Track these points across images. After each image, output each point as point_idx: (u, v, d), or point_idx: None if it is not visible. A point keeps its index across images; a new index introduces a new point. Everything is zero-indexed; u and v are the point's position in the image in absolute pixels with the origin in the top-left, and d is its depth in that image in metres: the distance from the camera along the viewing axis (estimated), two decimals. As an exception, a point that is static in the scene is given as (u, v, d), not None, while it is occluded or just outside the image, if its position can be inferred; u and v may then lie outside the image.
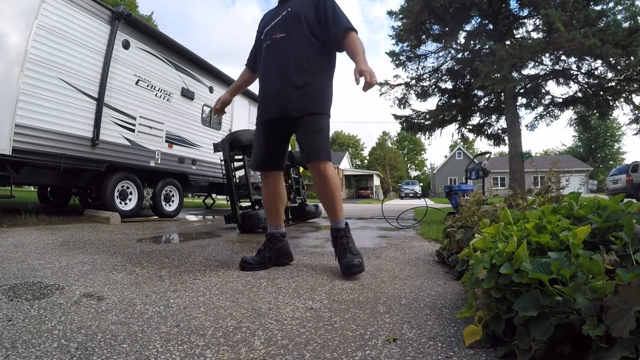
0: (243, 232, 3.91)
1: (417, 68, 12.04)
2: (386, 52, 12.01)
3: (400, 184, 43.71)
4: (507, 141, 11.34)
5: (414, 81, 12.06)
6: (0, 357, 0.90)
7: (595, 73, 10.16)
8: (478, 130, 13.10)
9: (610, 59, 8.66)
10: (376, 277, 1.89)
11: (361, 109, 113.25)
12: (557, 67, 10.53)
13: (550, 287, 0.88)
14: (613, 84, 10.00)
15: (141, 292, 1.51)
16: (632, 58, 8.53)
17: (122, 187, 5.07)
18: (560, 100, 11.34)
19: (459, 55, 11.55)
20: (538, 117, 12.10)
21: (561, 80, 10.78)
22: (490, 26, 10.82)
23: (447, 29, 10.82)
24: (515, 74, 10.06)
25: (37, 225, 3.83)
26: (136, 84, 5.17)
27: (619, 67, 9.03)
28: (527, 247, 1.00)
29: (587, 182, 32.69)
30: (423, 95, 12.18)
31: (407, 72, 12.06)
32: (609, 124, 40.31)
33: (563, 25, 7.91)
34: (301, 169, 5.88)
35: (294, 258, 2.22)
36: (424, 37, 11.23)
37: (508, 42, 10.03)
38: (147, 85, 5.36)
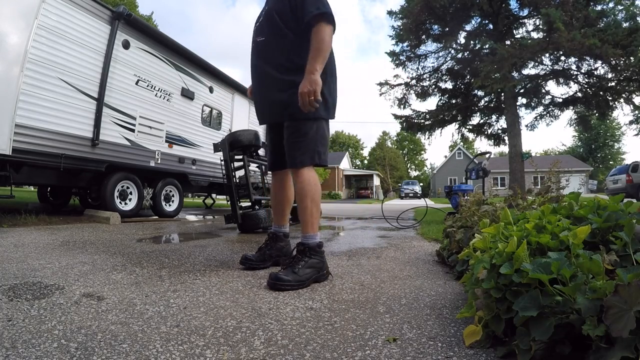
0: (243, 232, 3.91)
1: (417, 68, 12.06)
2: (386, 52, 12.03)
3: (400, 184, 43.70)
4: (507, 141, 11.35)
5: (414, 81, 12.07)
6: (0, 357, 0.90)
7: (595, 73, 10.17)
8: (478, 130, 13.10)
9: (610, 59, 8.66)
10: (376, 277, 1.89)
11: (361, 109, 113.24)
12: (557, 67, 10.54)
13: (550, 287, 0.88)
14: (613, 84, 10.01)
15: (141, 292, 1.51)
16: (631, 58, 8.53)
17: (122, 187, 5.07)
18: (560, 100, 11.35)
19: (459, 55, 11.56)
20: (538, 117, 12.11)
21: (561, 80, 10.78)
22: (490, 26, 10.82)
23: (447, 29, 10.83)
24: (515, 74, 10.06)
25: (37, 225, 3.83)
26: (136, 84, 5.17)
27: (619, 67, 9.03)
28: (527, 247, 1.00)
29: (587, 182, 32.69)
30: (423, 95, 12.18)
31: (407, 72, 12.09)
32: (609, 124, 40.30)
33: (563, 25, 7.91)
34: None
35: None
36: (424, 37, 11.24)
37: (508, 42, 10.03)
38: (147, 85, 5.36)
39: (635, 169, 12.64)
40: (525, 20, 10.91)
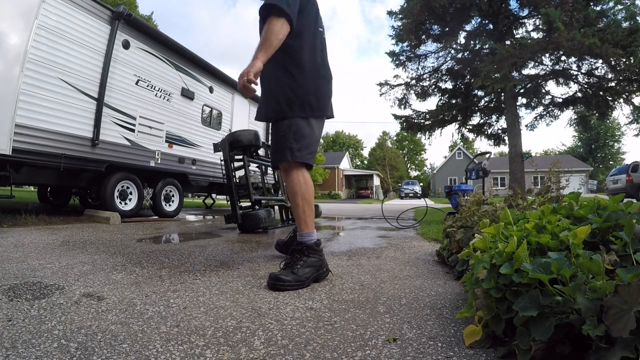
0: (243, 232, 3.91)
1: (417, 68, 12.05)
2: (386, 52, 12.03)
3: (400, 184, 43.71)
4: (507, 141, 11.35)
5: (414, 81, 12.07)
6: (0, 357, 0.90)
7: (595, 73, 10.17)
8: (478, 130, 13.10)
9: (610, 59, 8.66)
10: (376, 277, 1.89)
11: (361, 109, 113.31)
12: (557, 67, 10.54)
13: (550, 287, 0.88)
14: (613, 84, 10.01)
15: (141, 292, 1.51)
16: (631, 59, 8.53)
17: (122, 187, 5.07)
18: (560, 100, 11.35)
19: (459, 55, 11.56)
20: (538, 117, 12.11)
21: (561, 80, 10.78)
22: (490, 26, 10.82)
23: (447, 29, 10.83)
24: (515, 74, 10.06)
25: (37, 225, 3.83)
26: (136, 84, 5.17)
27: (619, 68, 9.03)
28: (527, 247, 1.00)
29: (587, 182, 32.69)
30: (423, 95, 12.18)
31: (407, 72, 12.08)
32: (609, 124, 40.31)
33: (563, 25, 7.91)
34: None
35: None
36: (424, 37, 11.24)
37: (508, 42, 10.03)
38: (147, 85, 5.36)
39: (635, 169, 12.65)
40: (525, 20, 10.92)
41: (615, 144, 44.64)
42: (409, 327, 1.18)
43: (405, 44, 11.51)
